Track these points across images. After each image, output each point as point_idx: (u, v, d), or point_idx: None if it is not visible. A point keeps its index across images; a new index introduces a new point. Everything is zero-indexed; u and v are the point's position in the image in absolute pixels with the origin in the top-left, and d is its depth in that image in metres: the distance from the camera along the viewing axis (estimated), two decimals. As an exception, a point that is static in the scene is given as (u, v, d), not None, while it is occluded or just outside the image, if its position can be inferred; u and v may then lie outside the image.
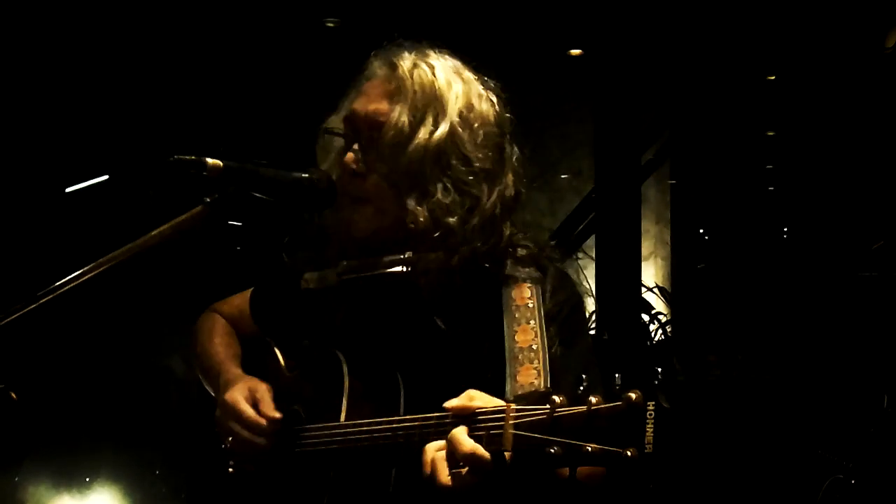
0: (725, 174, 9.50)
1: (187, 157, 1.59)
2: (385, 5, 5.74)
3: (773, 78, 7.57)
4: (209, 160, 1.60)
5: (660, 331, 6.33)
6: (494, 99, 1.86)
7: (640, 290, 6.57)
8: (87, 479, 4.50)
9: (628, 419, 1.34)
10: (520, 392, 1.62)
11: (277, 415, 1.84)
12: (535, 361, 1.67)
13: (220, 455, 2.04)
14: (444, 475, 1.50)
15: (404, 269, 1.79)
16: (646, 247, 7.65)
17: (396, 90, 1.79)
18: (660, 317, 6.48)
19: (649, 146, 6.61)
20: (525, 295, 1.77)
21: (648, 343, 6.07)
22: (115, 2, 5.27)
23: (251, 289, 2.20)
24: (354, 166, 1.80)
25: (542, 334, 1.71)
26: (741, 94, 7.39)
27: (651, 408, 1.34)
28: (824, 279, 5.87)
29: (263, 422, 1.84)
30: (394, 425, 1.65)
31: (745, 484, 4.64)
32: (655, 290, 7.06)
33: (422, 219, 1.76)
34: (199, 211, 1.58)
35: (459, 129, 1.78)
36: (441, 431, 1.55)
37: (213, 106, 5.84)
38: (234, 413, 1.88)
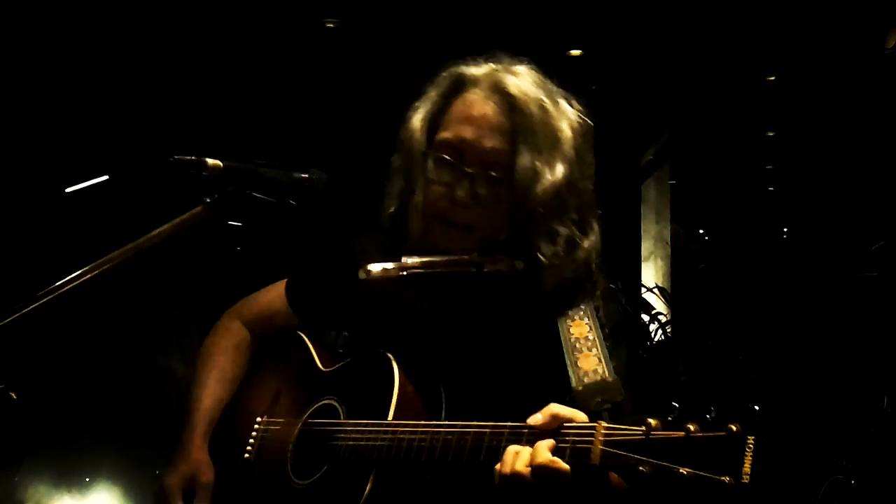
0: (725, 174, 9.50)
1: (187, 158, 1.59)
2: (385, 6, 5.74)
3: (773, 78, 7.56)
4: (209, 160, 1.60)
5: (660, 331, 6.32)
6: (581, 118, 1.91)
7: (640, 290, 6.56)
8: (87, 479, 4.50)
9: (727, 448, 1.37)
10: (586, 380, 1.67)
11: None
12: (594, 349, 1.72)
13: (225, 451, 2.05)
14: (525, 477, 1.52)
15: (471, 269, 1.82)
16: (645, 247, 7.64)
17: (515, 129, 1.81)
18: (660, 317, 6.47)
19: (649, 146, 6.60)
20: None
21: (648, 343, 6.06)
22: (115, 2, 5.26)
23: (282, 280, 2.19)
24: (468, 200, 1.82)
25: (596, 330, 1.76)
26: (741, 94, 7.39)
27: (751, 441, 1.36)
28: (824, 279, 5.87)
29: None
30: (459, 429, 1.66)
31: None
32: (655, 290, 7.05)
33: (550, 255, 1.81)
34: (199, 211, 1.59)
35: (574, 167, 1.85)
36: (516, 440, 1.58)
37: (213, 106, 5.84)
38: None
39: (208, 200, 1.60)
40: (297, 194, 1.70)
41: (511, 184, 1.80)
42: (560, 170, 1.81)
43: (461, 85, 1.87)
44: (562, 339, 1.76)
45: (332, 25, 6.41)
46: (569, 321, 1.78)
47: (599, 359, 1.70)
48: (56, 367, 4.67)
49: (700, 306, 7.26)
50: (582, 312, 1.79)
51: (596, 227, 1.89)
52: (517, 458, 1.55)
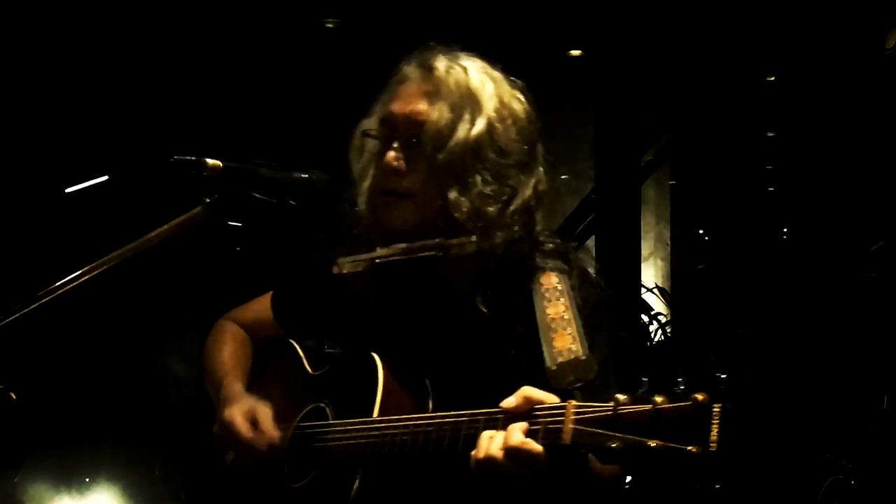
0: (725, 175, 9.49)
1: (187, 158, 1.59)
2: (384, 6, 5.74)
3: (772, 79, 7.56)
4: (209, 160, 1.60)
5: (659, 331, 6.33)
6: (522, 97, 1.93)
7: (640, 290, 6.57)
8: (87, 480, 4.50)
9: (693, 419, 1.38)
10: (560, 359, 1.67)
11: (277, 434, 1.88)
12: (569, 328, 1.72)
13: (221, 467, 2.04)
14: (498, 461, 1.53)
15: (438, 252, 1.83)
16: (645, 247, 7.65)
17: (434, 91, 1.86)
18: (660, 317, 6.48)
19: (649, 147, 6.60)
20: (553, 281, 1.83)
21: (648, 344, 6.07)
22: (115, 2, 5.27)
23: (270, 292, 2.21)
24: (395, 164, 1.85)
25: (572, 309, 1.76)
26: (741, 94, 7.39)
27: (717, 409, 1.37)
28: (824, 280, 5.86)
29: (261, 443, 1.87)
30: (437, 420, 1.67)
31: (744, 484, 4.64)
32: (655, 290, 7.06)
33: (465, 209, 1.82)
34: (199, 211, 1.59)
35: (496, 124, 1.85)
36: (492, 426, 1.59)
37: (213, 106, 5.83)
38: (231, 433, 1.91)
39: (208, 201, 1.60)
40: (297, 195, 1.70)
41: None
42: (479, 126, 1.83)
43: (399, 78, 1.93)
44: (538, 319, 1.76)
45: (331, 26, 6.42)
46: (545, 301, 1.78)
47: (574, 337, 1.71)
48: (56, 367, 4.67)
49: (700, 307, 7.26)
50: (559, 293, 1.79)
51: (528, 190, 1.87)
52: (491, 442, 1.56)
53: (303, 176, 1.71)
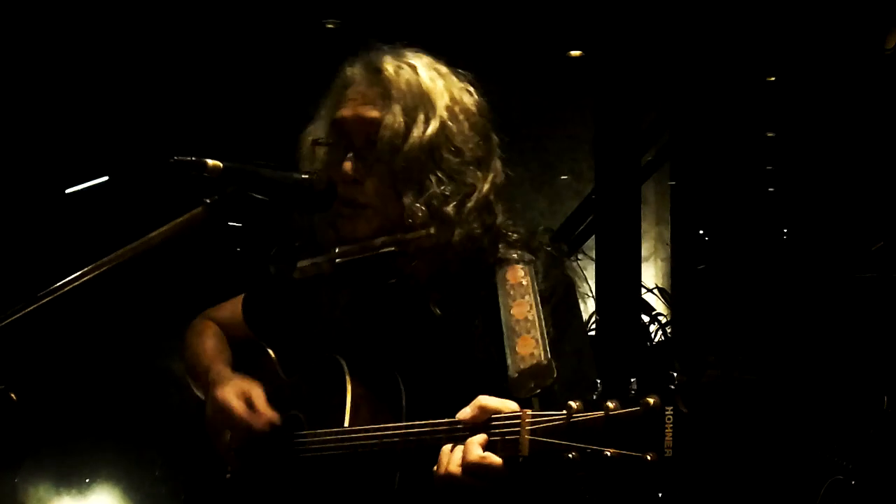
0: (725, 175, 9.50)
1: (187, 158, 1.59)
2: (384, 8, 5.74)
3: (773, 79, 7.57)
4: (209, 161, 1.59)
5: (660, 332, 6.34)
6: (472, 89, 1.89)
7: (640, 291, 6.58)
8: (87, 480, 4.50)
9: (647, 424, 1.35)
10: (522, 366, 1.65)
11: (272, 413, 1.82)
12: (533, 331, 1.70)
13: (218, 457, 2.04)
14: (458, 477, 1.52)
15: (397, 247, 1.80)
16: (645, 248, 7.65)
17: (384, 94, 1.81)
18: (660, 318, 6.49)
19: (649, 147, 6.60)
20: (518, 275, 1.80)
21: (648, 344, 6.07)
22: (115, 2, 5.27)
23: (243, 294, 2.19)
24: (353, 174, 1.81)
25: (536, 307, 1.74)
26: (741, 95, 7.39)
27: (669, 412, 1.35)
28: (824, 280, 5.87)
29: (257, 421, 1.82)
30: (402, 430, 1.65)
31: (744, 485, 4.64)
32: (655, 291, 7.07)
33: (419, 213, 1.79)
34: (199, 212, 1.58)
35: (449, 122, 1.81)
36: (453, 437, 1.57)
37: (214, 107, 5.84)
38: (226, 412, 1.86)
39: (208, 201, 1.59)
40: (296, 195, 1.70)
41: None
42: (432, 127, 1.80)
43: (345, 81, 1.90)
44: (502, 318, 1.74)
45: (332, 26, 6.42)
46: (510, 300, 1.76)
47: (537, 340, 1.68)
48: (56, 367, 4.67)
49: (700, 307, 7.26)
50: (523, 289, 1.77)
51: (485, 186, 1.83)
52: (450, 458, 1.54)
53: (303, 177, 1.70)
